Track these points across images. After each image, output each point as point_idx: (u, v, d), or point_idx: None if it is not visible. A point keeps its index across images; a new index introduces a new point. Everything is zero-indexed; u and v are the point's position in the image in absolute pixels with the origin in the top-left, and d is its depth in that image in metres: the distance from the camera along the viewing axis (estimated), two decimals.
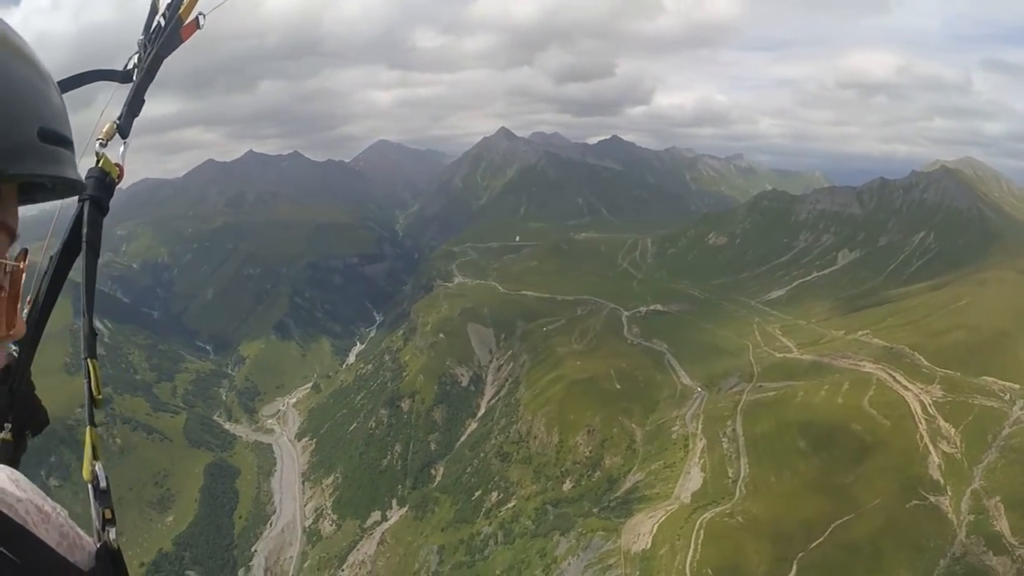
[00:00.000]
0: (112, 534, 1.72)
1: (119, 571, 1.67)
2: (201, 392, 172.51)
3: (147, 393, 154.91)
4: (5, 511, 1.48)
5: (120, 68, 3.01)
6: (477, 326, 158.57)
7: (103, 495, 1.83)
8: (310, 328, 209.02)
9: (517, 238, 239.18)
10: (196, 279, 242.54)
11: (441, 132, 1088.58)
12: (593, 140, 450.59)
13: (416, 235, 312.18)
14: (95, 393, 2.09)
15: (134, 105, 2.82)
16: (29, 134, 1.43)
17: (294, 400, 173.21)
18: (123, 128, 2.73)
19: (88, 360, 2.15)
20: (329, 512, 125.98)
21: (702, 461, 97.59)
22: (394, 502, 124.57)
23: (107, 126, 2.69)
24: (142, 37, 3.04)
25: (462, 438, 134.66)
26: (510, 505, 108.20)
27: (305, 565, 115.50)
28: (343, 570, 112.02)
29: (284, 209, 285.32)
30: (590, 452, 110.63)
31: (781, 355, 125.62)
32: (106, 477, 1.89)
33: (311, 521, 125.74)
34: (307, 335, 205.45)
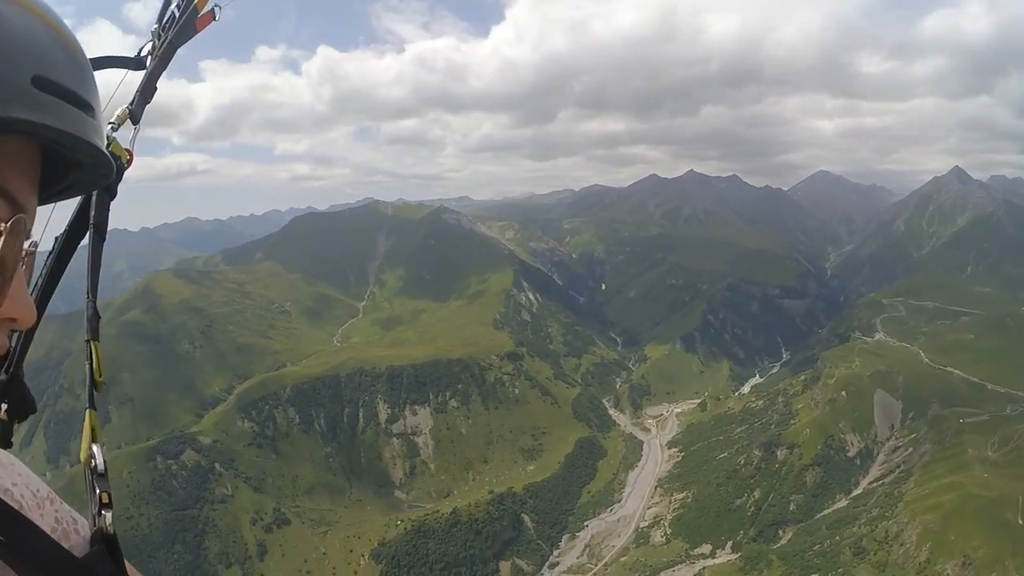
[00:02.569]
0: (108, 519, 1.61)
1: (114, 556, 1.58)
2: (599, 375, 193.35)
3: (554, 362, 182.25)
4: (0, 495, 1.47)
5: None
6: (885, 394, 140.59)
7: (100, 478, 1.72)
8: (715, 348, 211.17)
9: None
10: (624, 278, 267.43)
11: (888, 166, 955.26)
12: None
13: (845, 276, 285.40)
14: (96, 376, 2.02)
15: (146, 92, 2.88)
16: (21, 79, 1.31)
17: (678, 410, 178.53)
18: (135, 114, 2.76)
19: (90, 342, 2.08)
20: (666, 524, 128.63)
21: None
22: (729, 544, 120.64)
23: (119, 111, 2.71)
24: (156, 26, 3.08)
25: (825, 511, 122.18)
26: None
27: (621, 559, 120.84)
28: None
29: (715, 229, 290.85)
30: None
31: None
32: (104, 460, 1.75)
33: (647, 525, 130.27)
34: (710, 353, 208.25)
